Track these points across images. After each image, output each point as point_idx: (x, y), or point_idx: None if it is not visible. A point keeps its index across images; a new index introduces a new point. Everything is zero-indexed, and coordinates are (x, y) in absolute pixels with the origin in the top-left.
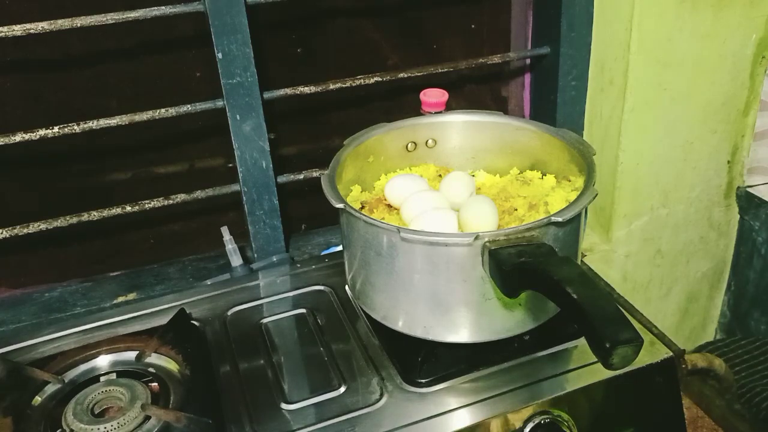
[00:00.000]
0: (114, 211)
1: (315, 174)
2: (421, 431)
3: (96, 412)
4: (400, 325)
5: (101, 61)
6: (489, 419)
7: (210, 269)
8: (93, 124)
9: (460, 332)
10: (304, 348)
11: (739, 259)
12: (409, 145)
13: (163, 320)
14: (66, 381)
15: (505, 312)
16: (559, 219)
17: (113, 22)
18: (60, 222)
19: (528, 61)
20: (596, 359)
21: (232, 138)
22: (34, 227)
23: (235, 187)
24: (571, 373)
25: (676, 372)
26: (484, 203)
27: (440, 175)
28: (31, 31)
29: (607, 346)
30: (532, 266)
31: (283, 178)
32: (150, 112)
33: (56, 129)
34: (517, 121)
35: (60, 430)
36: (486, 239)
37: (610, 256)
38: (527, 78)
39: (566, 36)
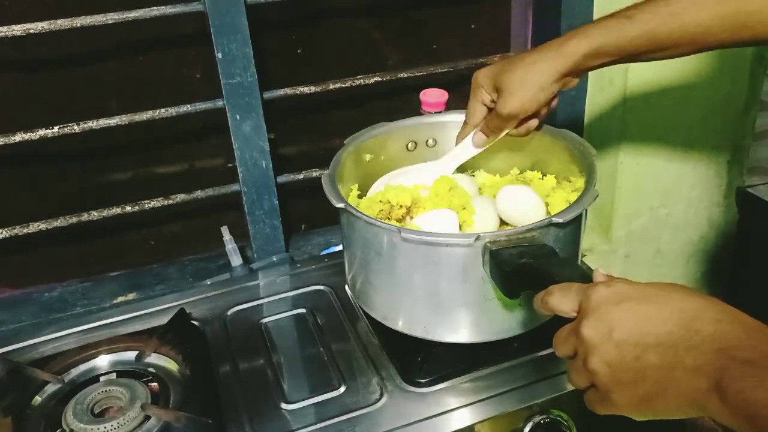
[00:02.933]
0: (114, 211)
1: (315, 174)
2: (421, 431)
3: (96, 412)
4: (400, 325)
5: (100, 62)
6: (489, 419)
7: (210, 269)
8: (93, 124)
9: (460, 332)
10: (304, 348)
11: (739, 259)
12: (410, 144)
13: (163, 320)
14: (66, 381)
15: (505, 312)
16: (560, 220)
17: (113, 22)
18: (60, 222)
19: None
20: None
21: (232, 138)
22: (34, 227)
23: (235, 187)
24: None
25: None
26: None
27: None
28: (31, 31)
29: None
30: (533, 267)
31: (283, 178)
32: (150, 112)
33: (56, 129)
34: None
35: (60, 429)
36: (487, 240)
37: (610, 256)
38: None
39: None
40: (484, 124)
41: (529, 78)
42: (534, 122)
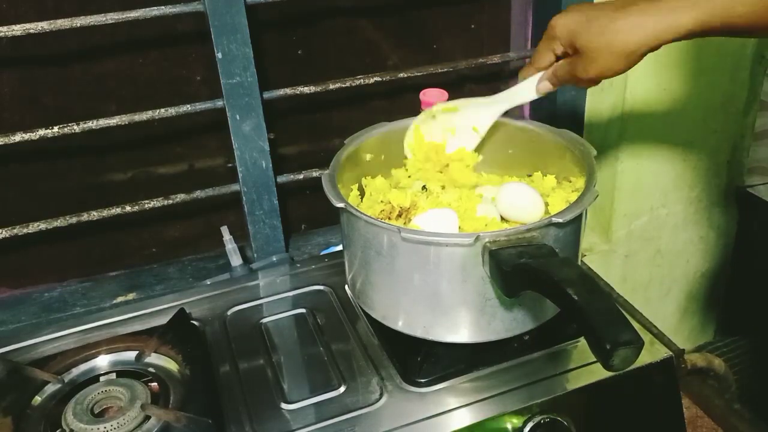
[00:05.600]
0: (114, 211)
1: (315, 174)
2: (421, 431)
3: (96, 412)
4: (400, 325)
5: (100, 62)
6: (489, 419)
7: (210, 269)
8: (93, 124)
9: (460, 332)
10: (304, 348)
11: (739, 259)
12: None
13: (163, 320)
14: (66, 381)
15: (505, 312)
16: (560, 220)
17: (113, 22)
18: (60, 222)
19: (527, 61)
20: (596, 359)
21: (232, 138)
22: (34, 227)
23: (235, 187)
24: (571, 373)
25: (675, 372)
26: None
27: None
28: (31, 30)
29: (608, 347)
30: (533, 267)
31: (283, 178)
32: (150, 112)
33: (56, 129)
34: (517, 121)
35: (60, 430)
36: (486, 240)
37: (610, 256)
38: None
39: None
40: (552, 74)
41: (617, 44)
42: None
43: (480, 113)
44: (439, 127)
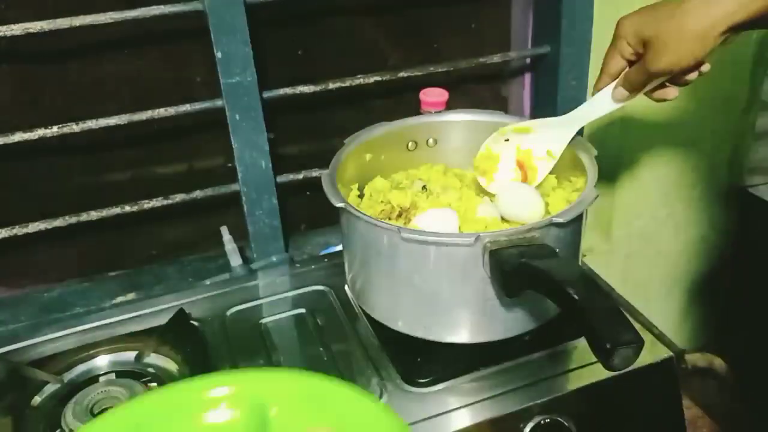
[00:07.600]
0: (114, 211)
1: (315, 174)
2: (421, 431)
3: (95, 412)
4: (400, 325)
5: (99, 64)
6: (489, 419)
7: (209, 269)
8: (92, 124)
9: (460, 332)
10: (303, 348)
11: (739, 259)
12: (410, 144)
13: (163, 320)
14: (65, 381)
15: (505, 312)
16: (561, 220)
17: (113, 21)
18: (60, 222)
19: (528, 60)
20: (596, 359)
21: (232, 138)
22: (34, 227)
23: (235, 187)
24: (571, 373)
25: (676, 372)
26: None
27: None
28: (30, 30)
29: (608, 347)
30: (533, 267)
31: (282, 178)
32: (149, 112)
33: (55, 129)
34: (518, 120)
35: (59, 430)
36: (487, 240)
37: (610, 256)
38: (527, 77)
39: (567, 35)
40: (623, 79)
41: (688, 25)
42: (673, 91)
43: (554, 135)
44: (512, 149)
